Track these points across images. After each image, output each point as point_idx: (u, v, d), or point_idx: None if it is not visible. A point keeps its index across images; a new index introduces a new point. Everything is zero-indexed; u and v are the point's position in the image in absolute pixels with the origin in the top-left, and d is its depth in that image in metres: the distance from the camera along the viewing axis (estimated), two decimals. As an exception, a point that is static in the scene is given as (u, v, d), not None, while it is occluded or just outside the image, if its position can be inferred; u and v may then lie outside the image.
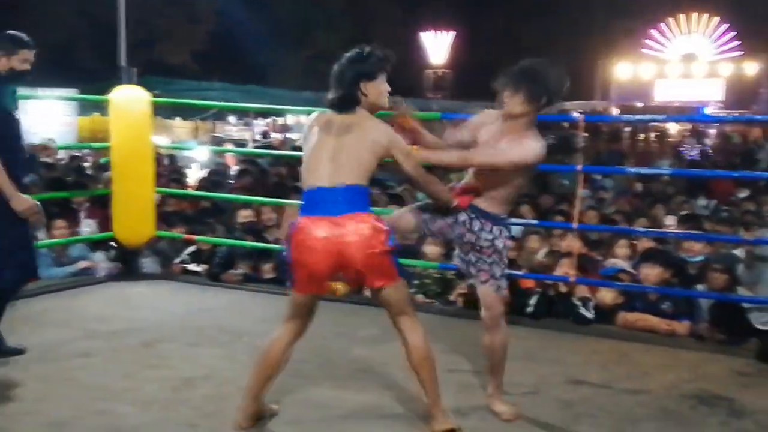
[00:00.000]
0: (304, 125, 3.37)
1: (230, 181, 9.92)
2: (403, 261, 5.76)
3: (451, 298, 5.60)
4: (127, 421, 3.42)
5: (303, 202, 3.18)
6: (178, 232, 6.59)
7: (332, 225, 3.07)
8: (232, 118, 22.63)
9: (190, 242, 6.55)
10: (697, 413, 3.66)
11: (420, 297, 5.66)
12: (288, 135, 21.01)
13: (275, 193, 7.71)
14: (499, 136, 3.39)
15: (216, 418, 3.45)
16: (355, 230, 3.07)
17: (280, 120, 22.52)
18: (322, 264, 3.11)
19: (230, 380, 3.92)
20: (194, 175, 11.04)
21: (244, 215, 7.01)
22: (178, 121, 20.09)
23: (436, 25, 34.88)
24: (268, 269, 6.23)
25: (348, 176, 3.11)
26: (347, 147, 3.13)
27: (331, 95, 3.24)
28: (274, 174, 10.74)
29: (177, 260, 6.52)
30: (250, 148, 15.81)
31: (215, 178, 9.89)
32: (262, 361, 3.32)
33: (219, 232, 6.83)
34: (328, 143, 3.15)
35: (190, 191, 8.55)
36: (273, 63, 28.08)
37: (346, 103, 3.22)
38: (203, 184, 9.10)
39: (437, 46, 35.75)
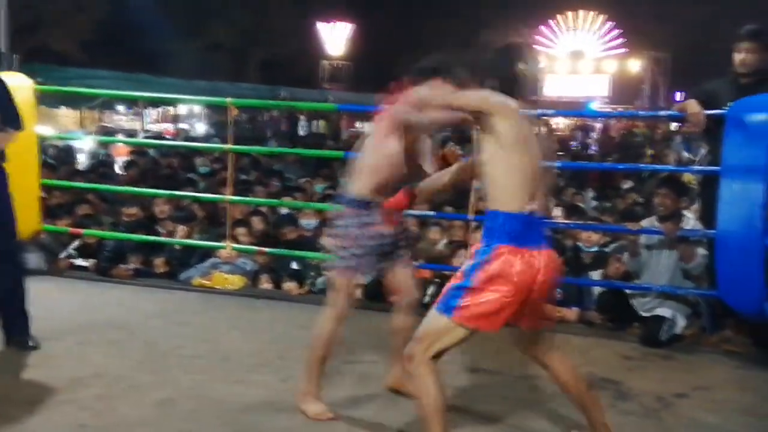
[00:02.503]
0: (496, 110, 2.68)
1: (119, 173, 9.60)
2: (301, 254, 5.80)
3: (349, 289, 5.59)
4: (11, 423, 3.24)
5: (502, 222, 2.71)
6: (63, 226, 6.32)
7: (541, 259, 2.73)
8: (121, 108, 21.91)
9: (77, 236, 6.29)
10: (586, 396, 3.79)
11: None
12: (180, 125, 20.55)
13: (167, 185, 7.51)
14: None
15: (106, 418, 3.33)
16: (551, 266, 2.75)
17: (171, 110, 21.98)
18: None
19: (121, 378, 3.79)
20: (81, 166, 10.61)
21: (128, 213, 6.72)
22: (63, 110, 19.24)
23: (333, 17, 34.81)
24: (160, 263, 6.06)
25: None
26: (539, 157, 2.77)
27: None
28: (166, 165, 10.46)
29: (63, 255, 6.25)
30: (140, 139, 15.30)
31: (103, 170, 9.54)
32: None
33: (106, 225, 6.58)
34: (536, 151, 2.73)
35: (78, 183, 8.20)
36: (165, 52, 27.31)
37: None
38: (89, 175, 8.74)
39: (334, 37, 35.67)
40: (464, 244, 5.52)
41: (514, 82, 2.76)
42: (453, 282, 2.76)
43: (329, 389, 3.71)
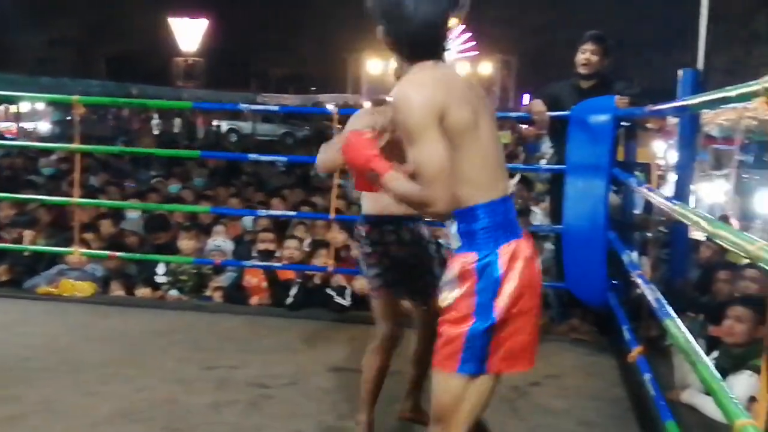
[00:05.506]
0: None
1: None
2: (157, 257, 5.59)
3: (208, 293, 5.48)
4: None
5: (486, 217, 2.01)
6: None
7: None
8: (-46, 105, 20.43)
9: None
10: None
11: (175, 293, 5.48)
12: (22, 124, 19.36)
13: (8, 188, 7.05)
14: None
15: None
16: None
17: (12, 108, 20.69)
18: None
19: (-42, 397, 3.52)
20: None
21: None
22: None
23: (186, 12, 33.87)
24: (2, 271, 5.67)
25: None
26: (496, 132, 2.12)
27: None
28: (6, 166, 9.83)
29: None
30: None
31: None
32: None
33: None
34: (490, 127, 2.10)
35: None
36: (5, 46, 25.67)
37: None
38: None
39: (188, 33, 34.71)
40: (325, 244, 5.52)
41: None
42: (454, 327, 1.94)
43: (190, 396, 3.62)
